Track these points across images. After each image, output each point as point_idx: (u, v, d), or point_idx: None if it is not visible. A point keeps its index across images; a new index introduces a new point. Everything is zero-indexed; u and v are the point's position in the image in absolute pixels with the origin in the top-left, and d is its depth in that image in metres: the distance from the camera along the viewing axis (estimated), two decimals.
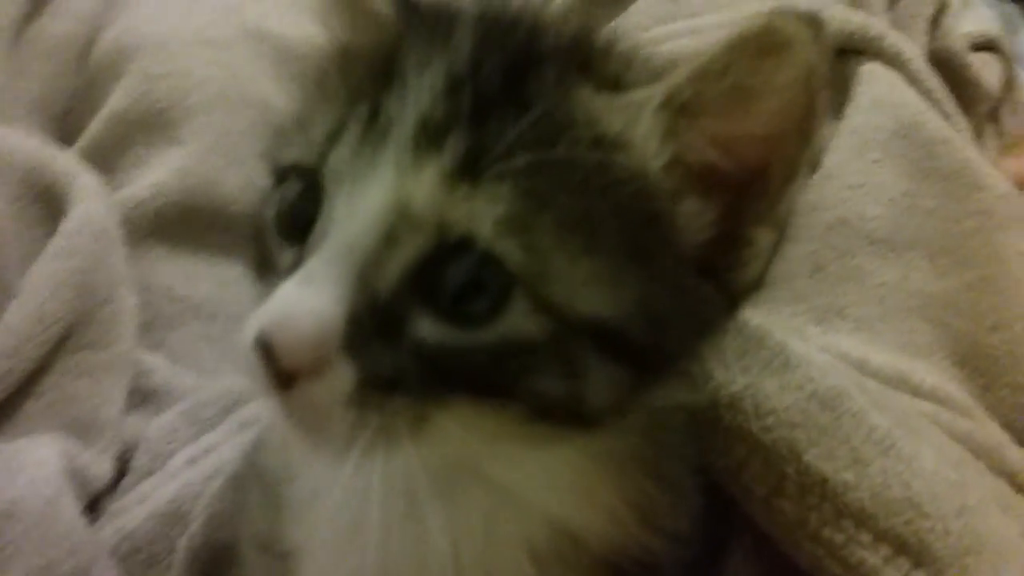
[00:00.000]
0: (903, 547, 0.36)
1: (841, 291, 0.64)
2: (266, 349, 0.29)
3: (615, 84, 0.32)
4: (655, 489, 0.35)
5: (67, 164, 0.62)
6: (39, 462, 0.48)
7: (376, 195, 0.29)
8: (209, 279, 0.65)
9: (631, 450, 0.34)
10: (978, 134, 1.03)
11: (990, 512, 0.44)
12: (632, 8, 0.80)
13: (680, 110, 0.32)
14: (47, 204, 0.60)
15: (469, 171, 0.28)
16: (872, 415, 0.40)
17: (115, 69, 0.75)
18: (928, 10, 1.01)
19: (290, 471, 0.38)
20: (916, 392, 0.60)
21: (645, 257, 0.31)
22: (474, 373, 0.29)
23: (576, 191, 0.29)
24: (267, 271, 0.34)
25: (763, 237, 0.34)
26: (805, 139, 0.32)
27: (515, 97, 0.30)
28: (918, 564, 0.36)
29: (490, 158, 0.28)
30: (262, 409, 0.48)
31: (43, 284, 0.53)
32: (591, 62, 0.32)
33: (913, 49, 0.78)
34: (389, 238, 0.29)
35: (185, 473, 0.50)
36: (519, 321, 0.29)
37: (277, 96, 0.74)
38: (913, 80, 0.75)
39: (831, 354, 0.59)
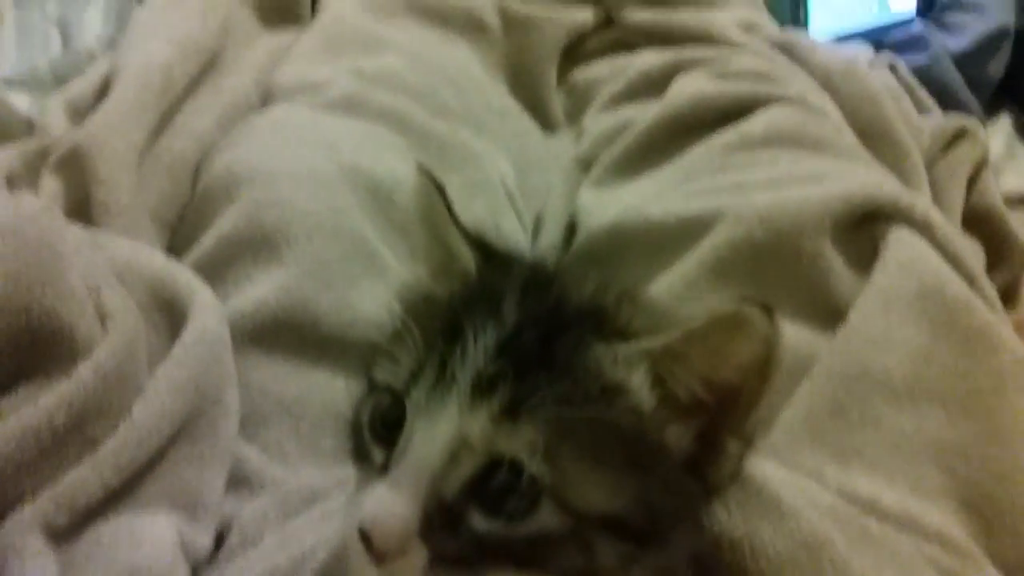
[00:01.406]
0: None
1: (859, 435, 0.69)
2: (365, 537, 0.40)
3: (624, 333, 0.42)
4: None
5: (188, 280, 0.72)
6: (158, 535, 0.57)
7: (444, 428, 0.40)
8: (298, 383, 0.73)
9: None
10: (1015, 285, 1.09)
11: None
12: None
13: (674, 358, 0.42)
14: (170, 314, 0.69)
15: (511, 414, 0.39)
16: (850, 560, 0.46)
17: (227, 194, 0.84)
18: (966, 169, 1.08)
19: None
20: (922, 532, 0.65)
21: (641, 467, 0.42)
22: (514, 554, 0.40)
23: (588, 425, 0.41)
24: (362, 460, 0.46)
25: (733, 446, 0.44)
26: (765, 379, 0.43)
27: (546, 358, 0.40)
28: None
29: (527, 406, 0.39)
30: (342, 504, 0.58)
31: (165, 386, 0.63)
32: (604, 320, 0.41)
33: (940, 217, 0.83)
34: (453, 459, 0.40)
35: (274, 556, 0.59)
36: (546, 518, 0.40)
37: (367, 227, 0.82)
38: (939, 245, 0.80)
39: (845, 492, 0.65)
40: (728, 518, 0.47)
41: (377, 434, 0.44)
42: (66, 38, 1.24)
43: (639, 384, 0.43)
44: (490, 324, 0.41)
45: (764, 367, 0.42)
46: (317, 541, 0.57)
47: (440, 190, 0.51)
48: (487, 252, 0.50)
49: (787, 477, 0.54)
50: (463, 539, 0.40)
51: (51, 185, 0.84)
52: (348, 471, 0.65)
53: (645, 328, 0.43)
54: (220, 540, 0.64)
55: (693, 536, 0.45)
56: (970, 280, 0.80)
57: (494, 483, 0.40)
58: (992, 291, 0.84)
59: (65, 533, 0.57)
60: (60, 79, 1.13)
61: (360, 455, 0.46)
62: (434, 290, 0.50)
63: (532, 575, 0.40)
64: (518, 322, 0.41)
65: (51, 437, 0.57)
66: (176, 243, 0.88)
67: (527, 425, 0.39)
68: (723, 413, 0.44)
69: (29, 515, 0.55)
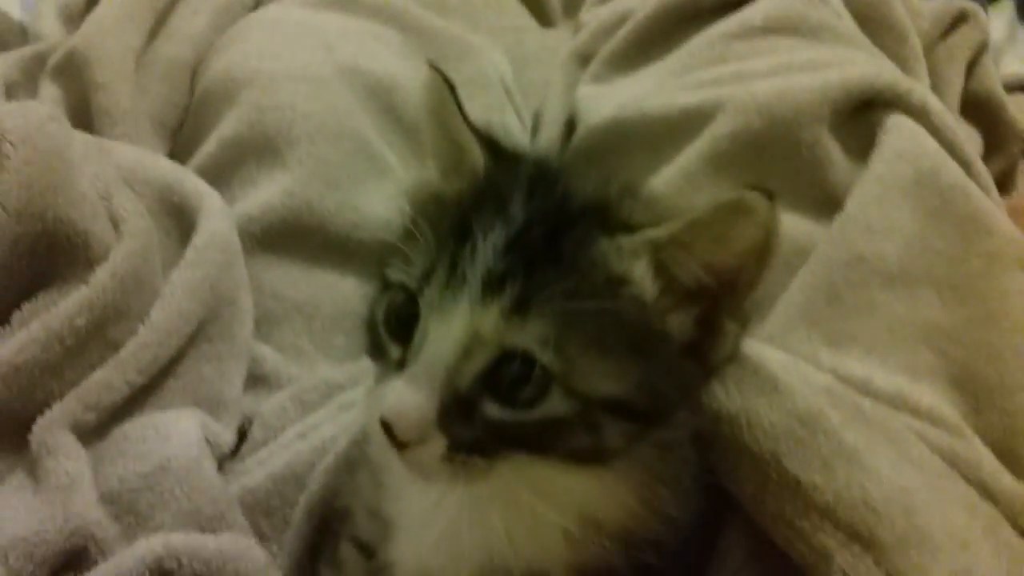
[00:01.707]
0: (856, 536, 0.46)
1: (854, 319, 0.72)
2: (386, 427, 0.43)
3: (627, 226, 0.43)
4: (661, 487, 0.46)
5: (196, 184, 0.73)
6: (184, 430, 0.60)
7: (457, 324, 0.42)
8: (309, 284, 0.75)
9: (643, 465, 0.47)
10: (1011, 173, 1.09)
11: (945, 512, 0.53)
12: None
13: (678, 246, 0.44)
14: (179, 218, 0.71)
15: (521, 309, 0.42)
16: (843, 432, 0.49)
17: (227, 97, 0.85)
18: (965, 54, 1.07)
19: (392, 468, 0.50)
20: (913, 410, 0.67)
21: (644, 352, 0.44)
22: (525, 438, 0.43)
23: (594, 316, 0.43)
24: (379, 355, 0.48)
25: (731, 327, 0.47)
26: (763, 262, 0.45)
27: (553, 254, 0.43)
28: (867, 549, 0.45)
29: (536, 301, 0.41)
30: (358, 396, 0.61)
31: (181, 288, 0.65)
32: (607, 215, 0.43)
33: (937, 103, 0.83)
34: (466, 353, 0.42)
35: (295, 445, 0.62)
36: (555, 404, 0.42)
37: (368, 127, 0.83)
38: (935, 131, 0.80)
39: (840, 374, 0.67)
40: (726, 395, 0.50)
41: (392, 331, 0.46)
42: None
43: (642, 274, 0.44)
44: (498, 223, 0.43)
45: (763, 251, 0.44)
46: (336, 431, 0.60)
47: (451, 87, 0.51)
48: (495, 149, 0.51)
49: (783, 358, 0.56)
50: (478, 427, 0.43)
51: (50, 91, 0.85)
52: (361, 366, 0.69)
53: (647, 220, 0.45)
54: (242, 436, 0.67)
55: (693, 414, 0.48)
56: (966, 166, 0.81)
57: (506, 374, 0.42)
58: (987, 176, 0.85)
59: (94, 431, 0.60)
60: None
61: (376, 351, 0.48)
62: (443, 189, 0.51)
63: (540, 456, 0.43)
64: (525, 220, 0.43)
65: (74, 340, 0.60)
66: (178, 148, 0.89)
67: (536, 319, 0.41)
68: (723, 296, 0.46)
69: (58, 414, 0.58)
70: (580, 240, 0.43)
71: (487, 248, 0.42)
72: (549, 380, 0.42)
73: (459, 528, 0.47)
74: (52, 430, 0.57)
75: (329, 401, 0.65)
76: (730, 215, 0.43)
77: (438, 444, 0.43)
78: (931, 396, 0.69)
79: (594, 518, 0.47)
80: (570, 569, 0.47)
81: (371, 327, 0.48)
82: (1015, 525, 0.58)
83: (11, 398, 0.58)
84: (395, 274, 0.46)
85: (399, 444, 0.43)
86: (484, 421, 0.43)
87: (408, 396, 0.42)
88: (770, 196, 0.42)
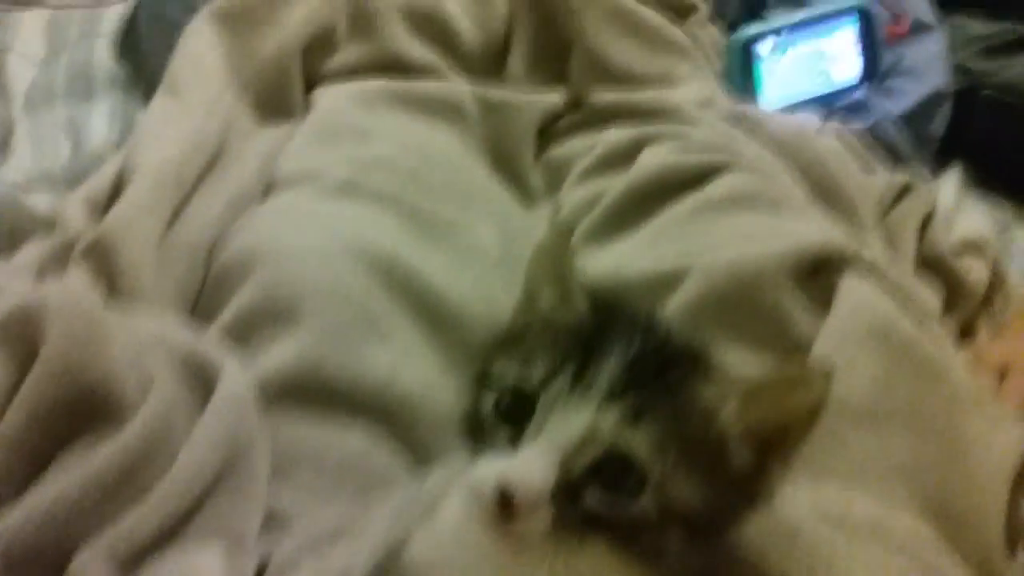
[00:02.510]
0: None
1: (829, 456, 0.76)
2: (505, 493, 0.49)
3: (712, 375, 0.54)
4: None
5: (215, 352, 0.80)
6: (209, 564, 0.64)
7: (582, 418, 0.50)
8: (318, 435, 0.80)
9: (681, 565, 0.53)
10: (970, 326, 1.17)
11: None
12: None
13: (751, 398, 0.53)
14: (200, 381, 0.77)
15: (635, 417, 0.49)
16: (821, 547, 0.55)
17: (243, 273, 0.93)
18: (914, 221, 1.17)
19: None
20: (890, 538, 0.72)
21: (719, 476, 0.52)
22: (612, 528, 0.50)
23: (688, 438, 0.51)
24: (479, 439, 0.55)
25: (776, 470, 0.54)
26: (813, 423, 0.54)
27: (662, 381, 0.52)
28: None
29: (646, 413, 0.49)
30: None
31: (204, 440, 0.70)
32: (699, 360, 0.55)
33: (886, 263, 0.93)
34: (584, 444, 0.49)
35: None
36: (646, 503, 0.50)
37: (371, 297, 0.91)
38: (888, 288, 0.88)
39: (819, 507, 0.72)
40: None
41: (504, 417, 0.53)
42: (75, 143, 1.33)
43: (728, 413, 0.53)
44: (619, 347, 0.51)
45: (814, 415, 0.53)
46: (351, 563, 0.64)
47: (567, 241, 0.64)
48: (596, 301, 0.59)
49: None
50: (577, 510, 0.49)
51: (78, 275, 0.92)
52: (369, 516, 0.73)
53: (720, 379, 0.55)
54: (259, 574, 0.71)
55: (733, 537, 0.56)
56: (920, 318, 0.88)
57: (611, 469, 0.49)
58: (940, 328, 0.93)
59: (127, 565, 0.64)
60: (72, 181, 1.21)
61: (475, 437, 0.55)
62: (553, 316, 0.59)
63: (618, 546, 0.51)
64: (640, 349, 0.52)
65: (112, 483, 0.65)
66: (196, 317, 0.95)
67: (645, 428, 0.49)
68: (777, 444, 0.54)
69: (96, 549, 0.63)
70: (682, 374, 0.52)
71: (613, 363, 0.51)
72: (644, 481, 0.49)
73: None
74: (90, 563, 0.62)
75: (341, 541, 0.69)
76: (791, 386, 0.53)
77: (546, 516, 0.49)
78: (910, 522, 0.74)
79: None
80: None
81: (472, 415, 0.56)
82: None
83: (49, 540, 0.63)
84: (507, 376, 0.54)
85: (509, 514, 0.49)
86: (583, 506, 0.49)
87: (535, 462, 0.49)
88: (828, 375, 0.52)
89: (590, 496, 0.49)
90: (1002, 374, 0.99)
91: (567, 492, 0.49)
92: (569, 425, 0.49)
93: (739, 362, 0.85)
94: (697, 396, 0.52)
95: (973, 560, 0.72)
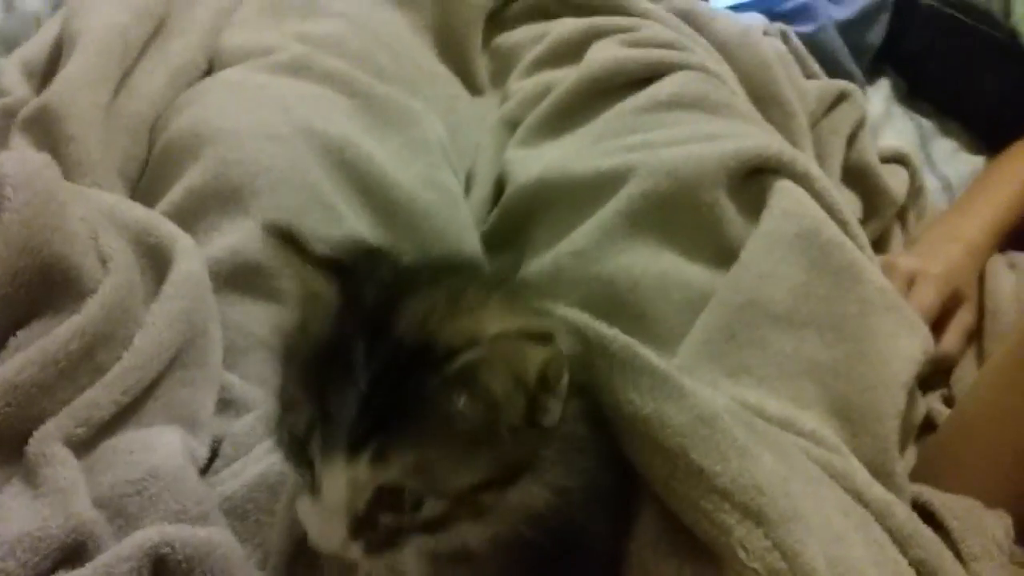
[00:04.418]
0: (749, 513, 0.55)
1: (748, 355, 0.83)
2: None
3: (450, 351, 0.50)
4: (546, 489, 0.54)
5: (169, 228, 0.80)
6: (168, 441, 0.67)
7: (340, 476, 0.50)
8: (270, 320, 0.82)
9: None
10: (886, 235, 1.23)
11: (822, 510, 0.62)
12: None
13: (489, 365, 0.51)
14: (155, 258, 0.78)
15: (382, 457, 0.49)
16: (736, 430, 0.59)
17: (191, 152, 0.92)
18: (846, 129, 1.22)
19: None
20: (799, 433, 0.78)
21: (490, 441, 0.51)
22: (421, 529, 0.51)
23: (444, 435, 0.50)
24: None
25: (552, 403, 0.53)
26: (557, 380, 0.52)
27: (400, 404, 0.49)
28: (758, 524, 0.55)
29: (393, 448, 0.49)
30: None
31: (160, 319, 0.72)
32: (431, 350, 0.50)
33: (818, 171, 0.96)
34: (353, 492, 0.50)
35: (266, 459, 0.69)
36: (433, 506, 0.51)
37: (323, 181, 0.92)
38: (816, 195, 0.93)
39: (737, 401, 0.78)
40: (641, 400, 0.59)
41: (297, 459, 0.53)
42: (7, 3, 1.27)
43: (472, 392, 0.50)
44: (350, 391, 0.49)
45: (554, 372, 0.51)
46: None
47: (289, 235, 0.54)
48: (342, 273, 0.54)
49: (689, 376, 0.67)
50: (381, 531, 0.51)
51: (22, 144, 0.91)
52: None
53: (464, 340, 0.50)
54: (213, 457, 0.74)
55: (556, 443, 0.55)
56: (843, 225, 0.93)
57: (387, 498, 0.50)
58: (863, 235, 0.98)
59: (84, 445, 0.67)
60: (7, 42, 1.17)
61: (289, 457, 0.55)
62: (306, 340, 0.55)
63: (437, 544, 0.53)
64: (370, 383, 0.49)
65: (67, 362, 0.67)
66: (137, 198, 0.94)
67: (396, 459, 0.49)
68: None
69: (52, 429, 0.65)
70: (417, 385, 0.49)
71: (345, 415, 0.49)
72: (420, 495, 0.50)
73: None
74: (47, 442, 0.64)
75: None
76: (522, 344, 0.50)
77: (356, 549, 0.51)
78: (815, 422, 0.80)
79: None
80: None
81: (281, 440, 0.55)
82: (884, 526, 0.69)
83: (9, 414, 0.65)
84: (287, 420, 0.54)
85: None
86: (384, 527, 0.51)
87: (323, 528, 0.51)
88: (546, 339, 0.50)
89: (385, 519, 0.50)
90: (909, 284, 1.05)
91: (366, 522, 0.50)
92: (335, 486, 0.49)
93: (672, 269, 0.91)
94: (434, 395, 0.49)
95: (868, 457, 0.78)
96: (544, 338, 0.49)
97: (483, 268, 0.59)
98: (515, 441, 0.52)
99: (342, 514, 0.50)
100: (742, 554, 0.55)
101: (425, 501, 0.50)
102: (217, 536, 0.61)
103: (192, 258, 0.77)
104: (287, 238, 0.54)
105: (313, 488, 0.51)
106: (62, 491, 0.61)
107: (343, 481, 0.49)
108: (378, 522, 0.51)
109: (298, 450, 0.52)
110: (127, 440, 0.67)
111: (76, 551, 0.60)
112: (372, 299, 0.52)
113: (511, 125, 1.14)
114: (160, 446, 0.67)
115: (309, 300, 0.54)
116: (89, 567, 0.58)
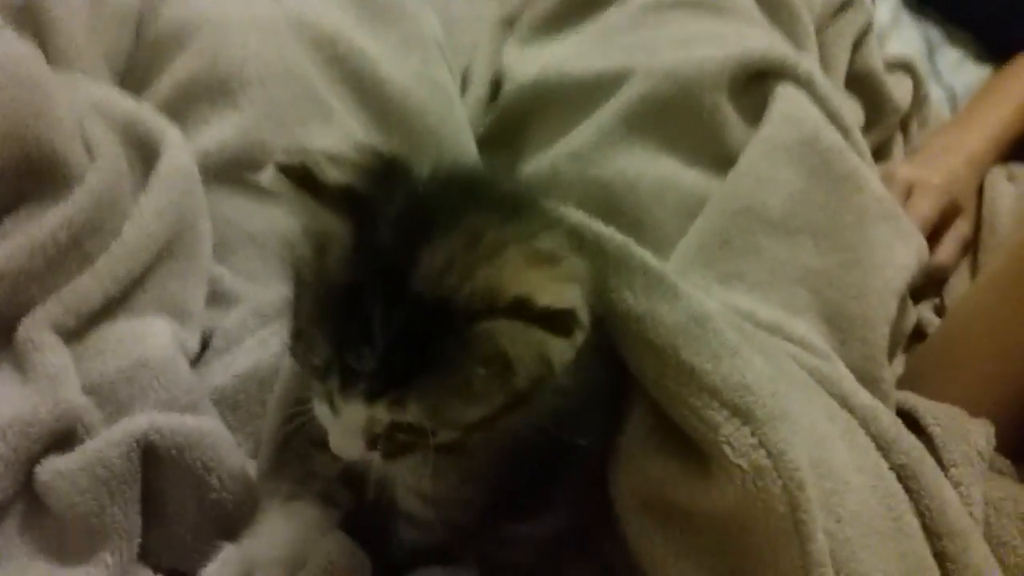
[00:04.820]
0: (737, 411, 0.55)
1: (742, 261, 0.82)
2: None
3: (468, 313, 0.49)
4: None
5: (156, 120, 0.78)
6: (157, 331, 0.67)
7: (359, 412, 0.50)
8: (260, 216, 0.82)
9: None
10: (888, 144, 1.22)
11: (808, 412, 0.63)
12: None
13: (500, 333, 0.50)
14: (143, 149, 0.77)
15: (401, 401, 0.49)
16: (727, 332, 0.59)
17: (179, 42, 0.89)
18: (851, 35, 1.19)
19: None
20: (788, 338, 0.78)
21: (497, 380, 0.51)
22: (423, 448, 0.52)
23: (456, 381, 0.50)
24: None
25: (560, 345, 0.51)
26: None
27: (416, 355, 0.49)
28: (745, 422, 0.56)
29: (410, 395, 0.49)
30: None
31: (148, 210, 0.71)
32: (451, 310, 0.49)
33: (821, 76, 0.95)
34: (370, 423, 0.51)
35: (257, 351, 0.69)
36: (444, 438, 0.52)
37: (314, 75, 0.90)
38: (819, 100, 0.91)
39: (728, 306, 0.77)
40: (635, 300, 0.59)
41: (313, 374, 0.53)
42: None
43: (490, 357, 0.50)
44: (368, 350, 0.48)
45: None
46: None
47: (303, 174, 0.51)
48: (356, 204, 0.51)
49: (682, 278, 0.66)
50: (396, 443, 0.52)
51: (6, 32, 0.87)
52: None
53: (484, 301, 0.49)
54: (204, 348, 0.74)
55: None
56: (844, 132, 0.92)
57: (403, 428, 0.51)
58: (864, 143, 0.97)
59: (73, 333, 0.67)
60: None
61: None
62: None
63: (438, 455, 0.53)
64: (388, 344, 0.48)
65: (55, 251, 0.66)
66: (124, 89, 0.93)
67: (412, 406, 0.49)
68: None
69: (41, 316, 0.65)
70: (435, 345, 0.49)
71: (363, 367, 0.49)
72: (434, 429, 0.51)
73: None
74: (36, 329, 0.64)
75: (284, 316, 0.72)
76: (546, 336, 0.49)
77: (373, 456, 0.53)
78: (804, 328, 0.80)
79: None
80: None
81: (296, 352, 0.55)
82: (868, 432, 0.69)
83: None
84: (304, 352, 0.53)
85: None
86: (400, 442, 0.52)
87: (342, 442, 0.53)
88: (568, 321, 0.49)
89: (399, 438, 0.51)
90: (907, 193, 1.04)
91: (382, 438, 0.51)
92: (353, 417, 0.50)
93: (671, 173, 0.89)
94: (452, 350, 0.48)
95: (857, 363, 0.78)
96: (565, 319, 0.48)
97: (495, 188, 0.56)
98: (528, 384, 0.52)
99: (360, 435, 0.52)
100: (728, 451, 0.56)
101: (439, 433, 0.51)
102: (207, 424, 0.62)
103: (180, 151, 0.76)
104: (301, 178, 0.50)
105: (333, 408, 0.52)
106: (51, 377, 0.61)
107: (362, 415, 0.51)
108: (395, 438, 0.52)
109: (314, 372, 0.52)
110: (117, 330, 0.67)
111: (66, 436, 0.60)
112: (388, 239, 0.50)
113: (509, 23, 1.11)
114: (150, 336, 0.66)
115: (324, 235, 0.52)
116: (79, 452, 0.58)
